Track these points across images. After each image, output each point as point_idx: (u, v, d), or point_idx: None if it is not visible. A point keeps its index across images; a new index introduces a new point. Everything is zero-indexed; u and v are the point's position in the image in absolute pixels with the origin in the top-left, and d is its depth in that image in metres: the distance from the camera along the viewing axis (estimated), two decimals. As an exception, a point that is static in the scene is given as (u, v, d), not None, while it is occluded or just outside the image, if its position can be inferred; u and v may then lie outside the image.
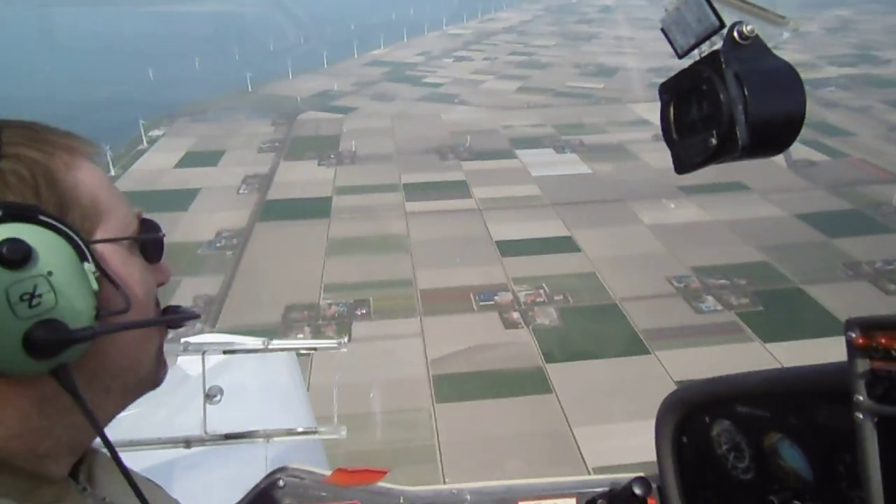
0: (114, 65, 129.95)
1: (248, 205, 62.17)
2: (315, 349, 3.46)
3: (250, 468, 2.73)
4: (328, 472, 2.63)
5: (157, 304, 1.28)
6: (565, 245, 53.19)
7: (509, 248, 52.47)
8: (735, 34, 1.08)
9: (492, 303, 45.07)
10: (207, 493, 2.87)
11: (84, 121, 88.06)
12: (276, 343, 3.04)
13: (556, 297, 45.59)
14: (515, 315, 43.69)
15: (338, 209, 61.20)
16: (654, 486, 2.42)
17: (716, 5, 1.07)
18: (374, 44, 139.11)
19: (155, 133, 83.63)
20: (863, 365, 1.59)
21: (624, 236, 54.63)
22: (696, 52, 1.11)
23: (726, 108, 1.05)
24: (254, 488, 2.52)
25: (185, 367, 4.17)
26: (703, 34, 1.09)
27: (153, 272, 1.27)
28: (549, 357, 38.77)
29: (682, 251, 50.81)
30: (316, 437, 3.25)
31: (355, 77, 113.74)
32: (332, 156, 75.38)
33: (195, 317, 1.37)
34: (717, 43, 1.08)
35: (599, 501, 2.48)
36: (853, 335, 1.59)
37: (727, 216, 56.69)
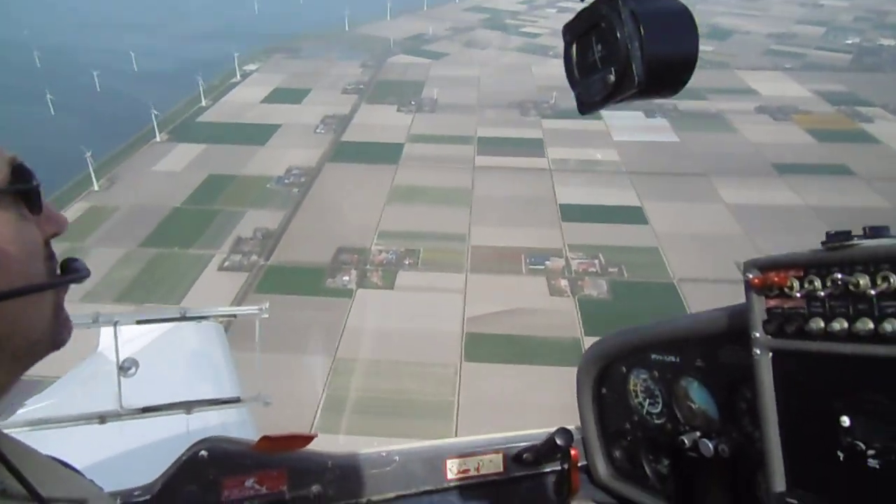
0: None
1: (322, 144, 63.18)
2: (235, 316, 3.24)
3: (172, 442, 2.64)
4: (254, 441, 2.53)
5: (51, 258, 1.11)
6: (633, 216, 50.59)
7: (572, 213, 50.56)
8: None
9: (542, 267, 43.83)
10: (126, 470, 2.69)
11: (184, 51, 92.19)
12: (193, 311, 2.87)
13: (611, 269, 43.67)
14: (564, 282, 42.32)
15: (407, 156, 61.05)
16: (576, 437, 2.53)
17: None
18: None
19: (249, 67, 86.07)
20: (759, 303, 1.70)
21: (699, 213, 51.22)
22: None
23: (623, 45, 1.06)
24: (175, 461, 2.45)
25: (100, 340, 4.08)
26: None
27: (40, 224, 1.09)
28: (590, 329, 37.27)
29: (760, 236, 46.86)
30: (239, 405, 3.08)
31: (452, 22, 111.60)
32: (413, 102, 74.90)
33: (81, 278, 1.12)
34: None
35: (525, 455, 2.56)
36: (750, 276, 1.70)
37: (821, 202, 51.69)
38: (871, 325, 1.44)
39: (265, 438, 2.49)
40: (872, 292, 1.44)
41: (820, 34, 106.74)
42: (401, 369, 34.93)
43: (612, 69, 1.09)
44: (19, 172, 1.03)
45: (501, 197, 52.93)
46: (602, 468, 2.62)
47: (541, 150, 62.39)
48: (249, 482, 2.48)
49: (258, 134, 64.88)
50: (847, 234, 1.52)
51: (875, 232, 1.52)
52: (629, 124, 67.91)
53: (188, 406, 2.68)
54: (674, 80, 1.09)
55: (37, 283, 1.04)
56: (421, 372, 34.85)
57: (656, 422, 2.30)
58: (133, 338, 3.25)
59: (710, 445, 2.02)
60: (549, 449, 2.46)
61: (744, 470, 2.01)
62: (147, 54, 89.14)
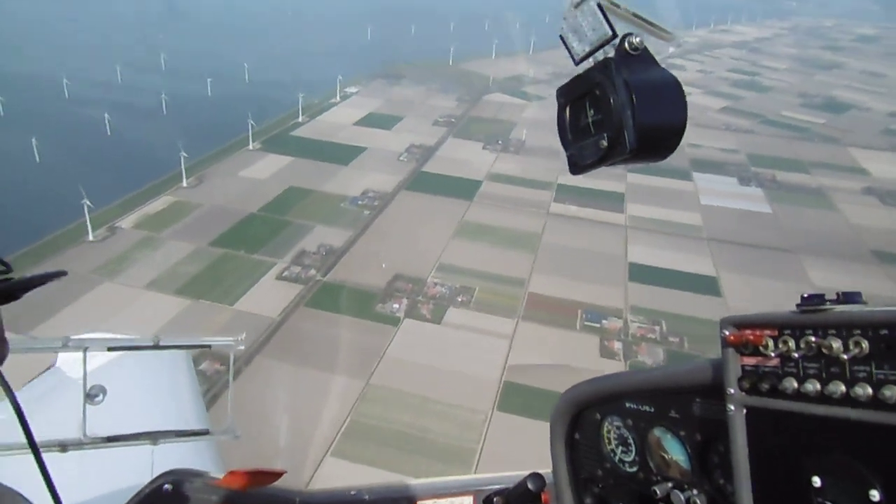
0: (336, 22, 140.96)
1: (402, 171, 64.12)
2: (209, 346, 3.04)
3: (136, 473, 2.61)
4: (220, 475, 2.48)
5: None
6: (706, 285, 47.74)
7: (641, 274, 48.37)
8: (626, 45, 1.14)
9: (597, 325, 41.94)
10: (86, 502, 2.70)
11: (295, 68, 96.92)
12: (166, 340, 2.76)
13: (671, 339, 41.17)
14: (617, 345, 40.25)
15: (483, 194, 60.81)
16: (548, 481, 2.47)
17: (610, 17, 1.13)
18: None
19: (351, 90, 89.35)
20: (734, 360, 1.70)
21: (781, 292, 47.43)
22: (591, 59, 1.18)
23: (616, 112, 1.11)
24: (136, 495, 2.40)
25: (65, 366, 3.97)
26: (598, 43, 1.16)
27: None
28: (636, 399, 35.08)
29: (845, 326, 42.87)
30: (207, 438, 2.96)
31: (554, 67, 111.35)
32: (500, 141, 74.94)
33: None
34: (611, 52, 1.15)
35: (496, 499, 2.49)
36: (726, 333, 1.70)
37: (923, 300, 46.84)
38: (843, 388, 1.46)
39: (232, 473, 2.44)
40: (845, 356, 1.46)
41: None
42: (430, 407, 34.10)
43: (605, 135, 1.14)
44: None
45: (569, 247, 51.53)
46: None
47: (620, 204, 60.56)
48: None
49: (344, 154, 66.80)
50: (821, 298, 1.54)
51: (847, 298, 1.52)
52: (720, 189, 64.96)
53: (154, 437, 2.57)
54: (664, 147, 1.14)
55: None
56: (450, 413, 33.87)
57: (629, 470, 2.29)
58: (99, 365, 3.05)
59: (682, 497, 2.01)
60: (520, 493, 2.39)
61: None
62: (260, 68, 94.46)
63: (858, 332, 1.44)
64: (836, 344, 1.47)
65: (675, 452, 2.09)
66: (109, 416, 2.51)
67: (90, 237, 47.13)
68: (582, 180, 65.27)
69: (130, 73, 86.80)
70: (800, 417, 1.56)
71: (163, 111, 74.68)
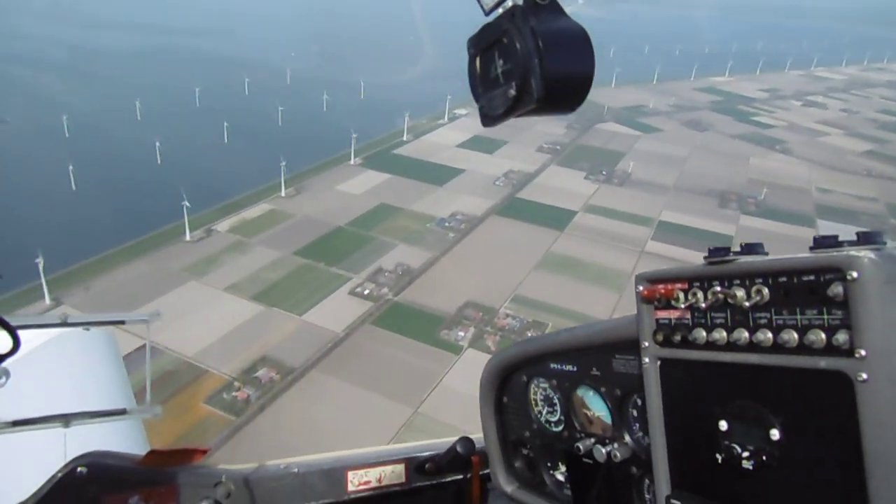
0: (457, 43, 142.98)
1: (495, 196, 62.93)
2: (123, 322, 2.87)
3: (48, 458, 2.49)
4: (141, 455, 2.42)
5: None
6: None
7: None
8: None
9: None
10: None
11: (412, 87, 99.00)
12: (75, 318, 2.64)
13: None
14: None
15: (575, 225, 58.21)
16: (477, 446, 2.55)
17: None
18: (718, 70, 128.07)
19: (460, 111, 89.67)
20: (648, 314, 1.79)
21: None
22: (500, 9, 1.17)
23: (522, 60, 1.11)
24: (49, 479, 2.32)
25: None
26: None
27: None
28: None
29: None
30: (125, 418, 2.84)
31: (677, 99, 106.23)
32: (604, 172, 71.77)
33: None
34: (520, 1, 1.14)
35: (427, 465, 2.59)
36: (640, 288, 1.78)
37: None
38: (746, 335, 1.53)
39: (153, 453, 2.41)
40: (747, 304, 1.53)
41: None
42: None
43: (514, 84, 1.13)
44: None
45: (660, 289, 47.76)
46: (502, 477, 2.60)
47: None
48: (134, 500, 2.35)
49: (440, 174, 66.80)
50: (727, 251, 1.60)
51: (750, 249, 1.59)
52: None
53: (66, 419, 2.44)
54: (571, 98, 1.14)
55: None
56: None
57: (554, 430, 2.35)
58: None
59: (604, 451, 2.07)
60: (450, 458, 2.49)
61: (635, 474, 2.06)
62: (377, 85, 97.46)
63: (760, 280, 1.50)
64: (740, 293, 1.53)
65: (598, 409, 2.15)
66: (17, 399, 2.32)
67: (187, 237, 49.94)
68: (689, 219, 61.11)
69: (255, 87, 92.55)
70: (709, 366, 1.63)
71: (278, 123, 78.63)
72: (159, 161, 63.80)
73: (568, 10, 1.15)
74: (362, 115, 80.00)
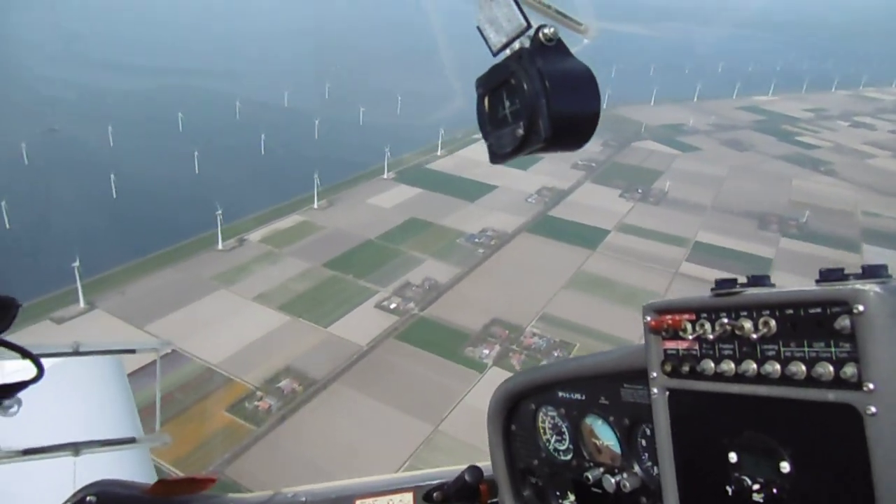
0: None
1: (526, 213, 62.41)
2: (134, 351, 2.94)
3: (58, 487, 2.49)
4: (149, 484, 2.44)
5: None
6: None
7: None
8: (540, 35, 1.17)
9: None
10: None
11: (449, 101, 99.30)
12: (86, 346, 2.66)
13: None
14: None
15: (608, 245, 57.23)
16: (487, 474, 2.50)
17: (524, 9, 1.16)
18: (762, 88, 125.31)
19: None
20: (656, 344, 1.76)
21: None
22: (507, 50, 1.20)
23: (530, 101, 1.14)
24: None
25: None
26: (513, 33, 1.18)
27: None
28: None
29: None
30: (134, 446, 2.88)
31: (718, 117, 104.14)
32: (640, 190, 70.60)
33: None
34: (527, 43, 1.18)
35: (435, 494, 2.55)
36: (648, 318, 1.76)
37: None
38: (754, 367, 1.53)
39: (161, 482, 2.40)
40: (755, 336, 1.53)
41: None
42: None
43: (521, 123, 1.16)
44: None
45: (694, 312, 46.45)
46: None
47: (765, 270, 53.71)
48: None
49: (472, 190, 66.64)
50: (733, 282, 1.60)
51: (757, 280, 1.59)
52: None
53: (76, 448, 2.47)
54: (578, 137, 1.17)
55: None
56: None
57: (563, 458, 2.35)
58: (14, 371, 2.76)
59: (613, 481, 2.06)
60: (458, 487, 2.47)
61: None
62: (414, 100, 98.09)
63: (767, 312, 1.50)
64: (748, 325, 1.53)
65: (606, 438, 2.14)
66: (27, 428, 2.34)
67: (219, 246, 50.72)
68: (726, 240, 59.53)
69: (296, 98, 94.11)
70: (717, 397, 1.62)
71: (314, 135, 79.68)
72: (197, 171, 65.19)
73: (574, 49, 1.18)
74: (397, 129, 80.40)
